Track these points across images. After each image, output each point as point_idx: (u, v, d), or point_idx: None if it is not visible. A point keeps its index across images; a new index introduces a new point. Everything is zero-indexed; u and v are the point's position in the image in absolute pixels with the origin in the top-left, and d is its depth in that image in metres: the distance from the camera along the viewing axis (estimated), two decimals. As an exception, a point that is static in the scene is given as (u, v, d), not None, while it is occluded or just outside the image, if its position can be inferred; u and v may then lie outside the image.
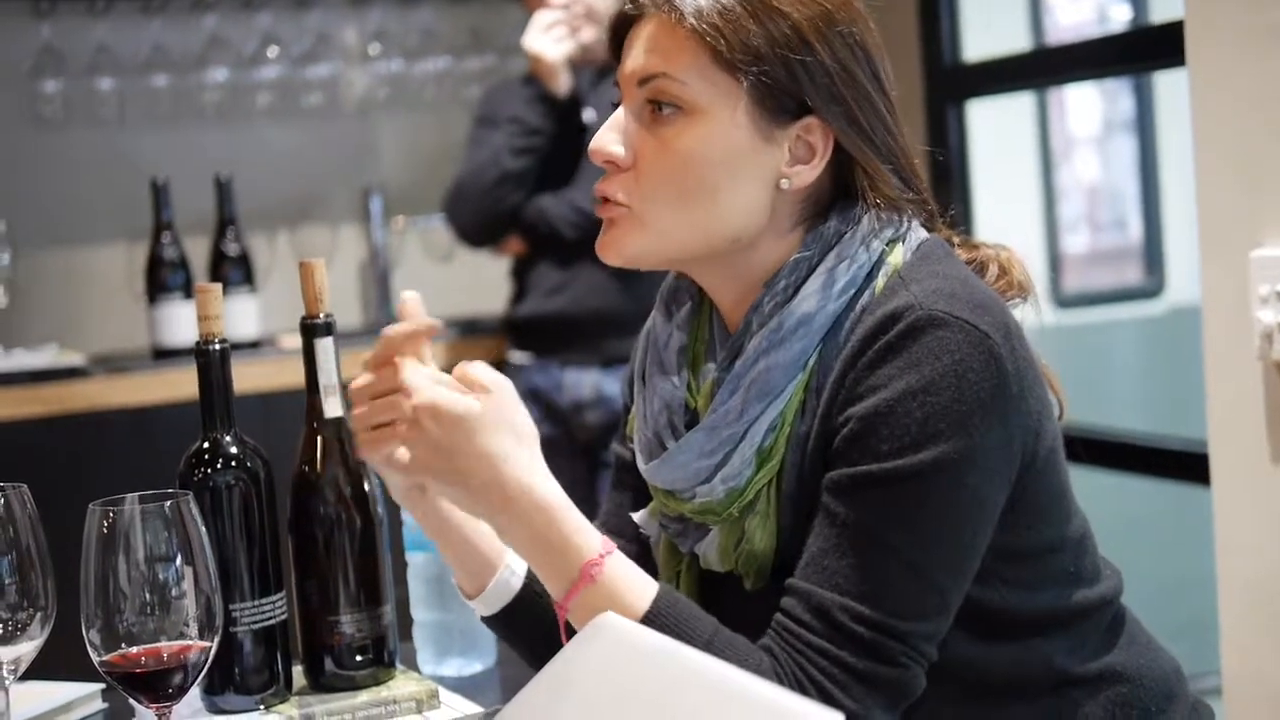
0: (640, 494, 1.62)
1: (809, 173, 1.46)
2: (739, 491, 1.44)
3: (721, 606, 1.44)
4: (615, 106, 1.51)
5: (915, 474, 1.34)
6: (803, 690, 1.33)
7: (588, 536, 1.38)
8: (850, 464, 1.37)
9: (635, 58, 1.48)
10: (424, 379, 1.37)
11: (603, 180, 1.49)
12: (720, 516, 1.46)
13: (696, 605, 1.40)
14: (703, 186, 1.44)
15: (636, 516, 1.59)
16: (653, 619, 1.35)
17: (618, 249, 1.48)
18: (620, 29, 1.52)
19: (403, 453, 1.37)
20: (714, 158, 1.44)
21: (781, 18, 1.42)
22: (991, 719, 1.48)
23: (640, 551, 1.61)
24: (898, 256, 1.45)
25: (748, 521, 1.45)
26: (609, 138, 1.47)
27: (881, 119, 1.47)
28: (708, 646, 1.33)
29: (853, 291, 1.44)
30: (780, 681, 1.33)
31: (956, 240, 1.57)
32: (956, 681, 1.45)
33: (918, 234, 1.49)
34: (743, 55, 1.42)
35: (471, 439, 1.35)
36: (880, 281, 1.43)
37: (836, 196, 1.49)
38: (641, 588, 1.38)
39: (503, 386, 1.38)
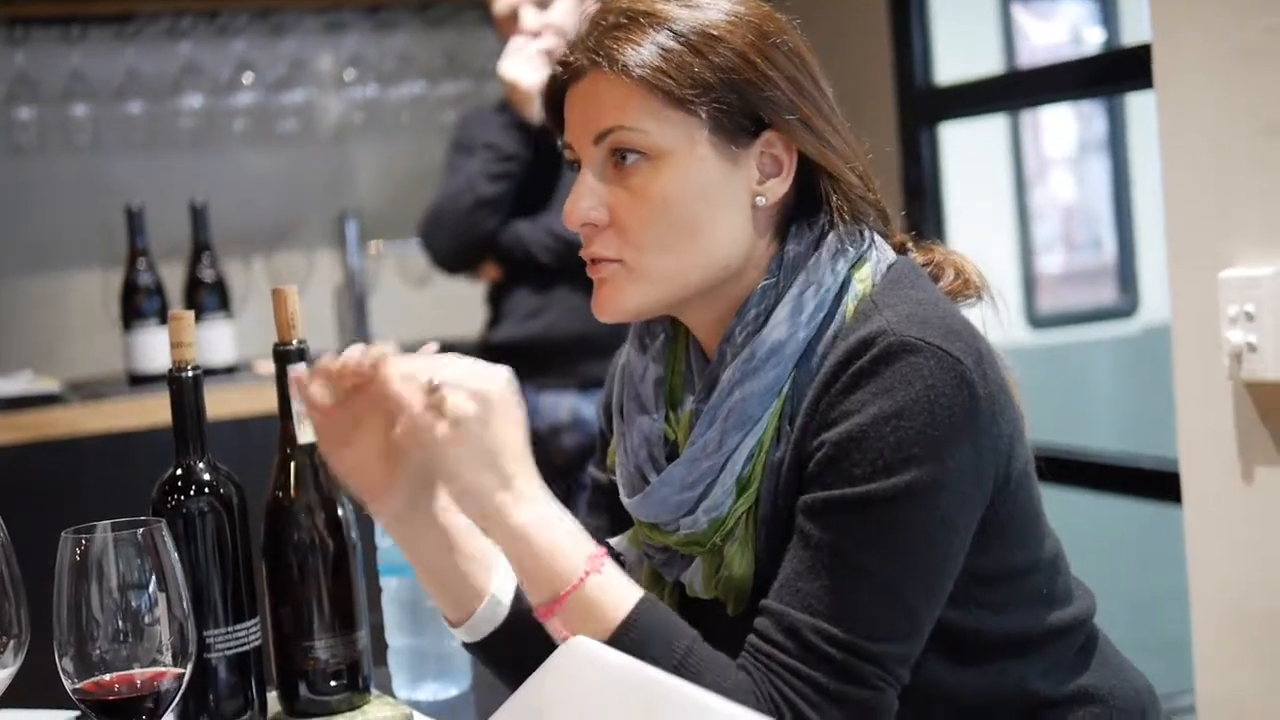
0: (616, 518, 1.62)
1: (780, 185, 1.47)
2: (720, 520, 1.45)
3: (705, 632, 1.44)
4: (572, 166, 1.51)
5: (888, 498, 1.35)
6: (777, 710, 1.33)
7: (588, 539, 1.39)
8: (824, 488, 1.37)
9: (584, 116, 1.48)
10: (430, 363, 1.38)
11: (587, 243, 1.48)
12: (704, 547, 1.47)
13: (678, 617, 1.40)
14: (686, 225, 1.45)
15: (614, 542, 1.59)
16: (634, 621, 1.35)
17: (617, 305, 1.48)
18: (555, 94, 1.51)
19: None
20: (689, 194, 1.44)
21: (718, 43, 1.43)
22: None
23: None
24: (865, 278, 1.46)
25: (727, 548, 1.46)
26: (583, 203, 1.47)
27: (829, 119, 1.48)
28: (686, 655, 1.34)
29: (821, 316, 1.44)
30: (756, 701, 1.33)
31: (911, 244, 1.58)
32: (929, 704, 1.45)
33: (885, 254, 1.50)
34: (693, 90, 1.43)
35: (505, 419, 1.40)
36: (850, 306, 1.44)
37: (800, 211, 1.50)
38: (632, 589, 1.38)
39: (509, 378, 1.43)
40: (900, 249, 1.55)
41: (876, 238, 1.51)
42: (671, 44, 1.43)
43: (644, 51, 1.43)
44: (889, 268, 1.48)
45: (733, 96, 1.44)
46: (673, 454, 1.50)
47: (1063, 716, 1.51)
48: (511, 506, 1.36)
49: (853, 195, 1.49)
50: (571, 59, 1.48)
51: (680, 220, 1.44)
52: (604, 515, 1.67)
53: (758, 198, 1.47)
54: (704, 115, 1.43)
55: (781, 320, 1.44)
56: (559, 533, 1.37)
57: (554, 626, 1.36)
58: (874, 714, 1.36)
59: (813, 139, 1.46)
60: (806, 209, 1.50)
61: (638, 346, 1.58)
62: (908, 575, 1.36)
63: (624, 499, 1.53)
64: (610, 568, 1.38)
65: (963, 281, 1.56)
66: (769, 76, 1.44)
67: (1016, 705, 1.49)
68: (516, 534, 1.36)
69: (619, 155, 1.45)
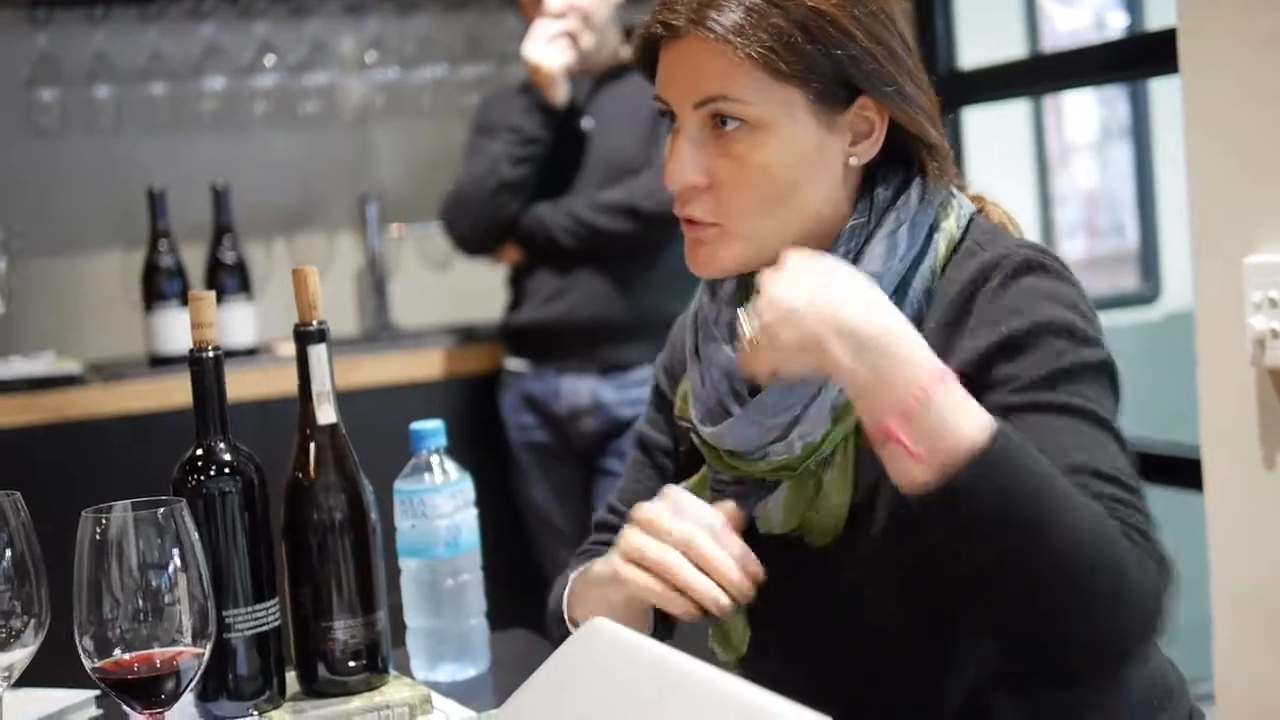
0: (666, 479, 1.66)
1: (871, 147, 1.52)
2: (815, 446, 1.47)
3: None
4: (664, 115, 1.53)
5: (1096, 365, 1.42)
6: (1128, 536, 1.32)
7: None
8: (1035, 368, 1.40)
9: (684, 79, 1.49)
10: None
11: (682, 204, 1.51)
12: (795, 471, 1.49)
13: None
14: (785, 191, 1.49)
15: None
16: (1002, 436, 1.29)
17: (715, 263, 1.52)
18: (650, 47, 1.53)
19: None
20: (789, 163, 1.48)
21: (820, 16, 1.45)
22: (1014, 687, 1.50)
23: None
24: (951, 221, 1.51)
25: (825, 476, 1.48)
26: (683, 166, 1.49)
27: (917, 81, 1.52)
28: (1055, 479, 1.30)
29: (915, 252, 1.49)
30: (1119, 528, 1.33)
31: (966, 189, 1.62)
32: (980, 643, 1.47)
33: (964, 201, 1.55)
34: (797, 66, 1.45)
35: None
36: (941, 245, 1.49)
37: (885, 155, 1.53)
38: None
39: None
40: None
41: (953, 186, 1.56)
42: (775, 19, 1.44)
43: (747, 24, 1.44)
44: (971, 216, 1.54)
45: (832, 69, 1.46)
46: (754, 388, 1.53)
47: None
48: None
49: (938, 155, 1.53)
50: (672, 19, 1.48)
51: (779, 186, 1.48)
52: (655, 473, 1.71)
53: (850, 158, 1.51)
54: (805, 89, 1.46)
55: (877, 255, 1.49)
56: (900, 342, 1.31)
57: (904, 436, 1.29)
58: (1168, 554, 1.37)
59: (903, 103, 1.50)
60: (890, 154, 1.53)
61: (709, 293, 1.62)
62: (1122, 434, 1.41)
63: (705, 430, 1.55)
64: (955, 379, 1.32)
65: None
66: (866, 47, 1.47)
67: None
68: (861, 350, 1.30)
69: (719, 120, 1.48)
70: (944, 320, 1.46)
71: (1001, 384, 1.41)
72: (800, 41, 1.44)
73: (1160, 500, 3.07)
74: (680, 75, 1.49)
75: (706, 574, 1.40)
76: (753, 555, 1.42)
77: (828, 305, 1.31)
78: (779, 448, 1.48)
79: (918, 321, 1.47)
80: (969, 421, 1.28)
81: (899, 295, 1.48)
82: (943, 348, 1.43)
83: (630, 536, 1.44)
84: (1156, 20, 4.73)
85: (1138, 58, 2.85)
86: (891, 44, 1.49)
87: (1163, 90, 4.81)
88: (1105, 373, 1.43)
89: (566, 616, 1.59)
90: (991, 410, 1.33)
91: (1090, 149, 5.13)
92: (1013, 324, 1.41)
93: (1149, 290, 4.95)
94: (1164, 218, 4.96)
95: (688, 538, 1.40)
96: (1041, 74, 3.30)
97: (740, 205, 1.49)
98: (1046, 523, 1.26)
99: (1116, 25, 5.05)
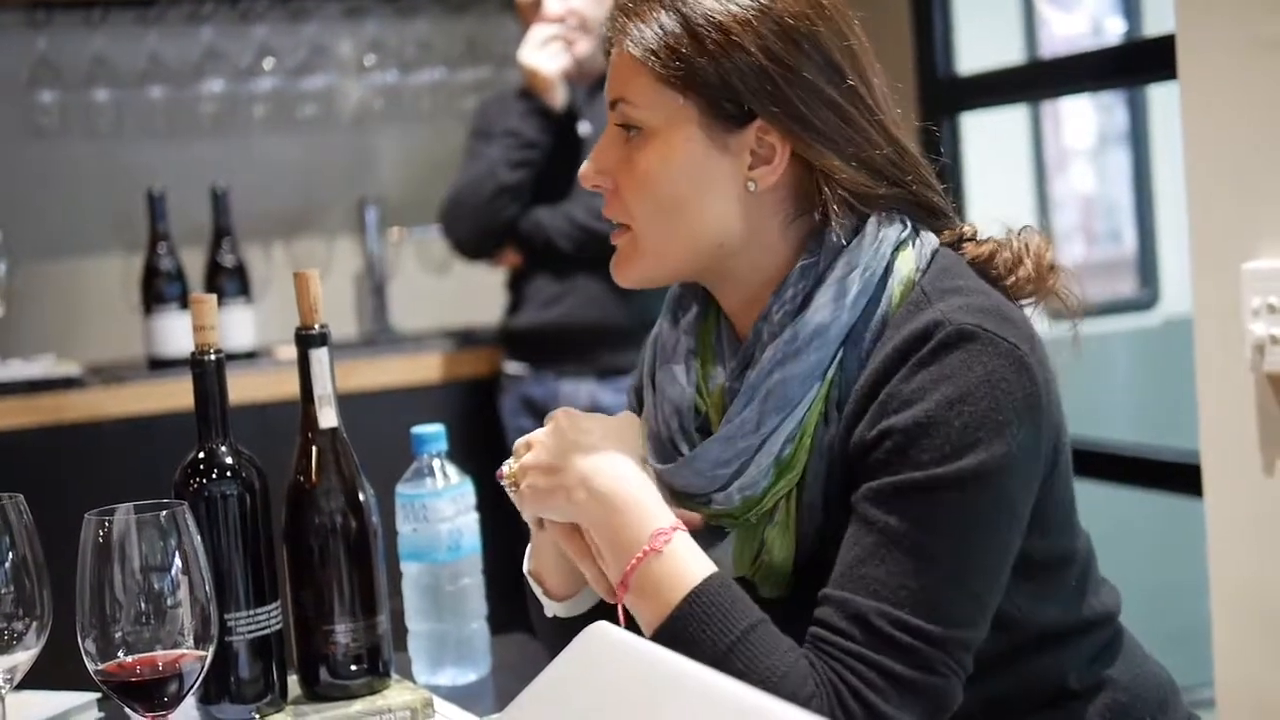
0: None
1: (769, 174, 1.46)
2: (756, 500, 1.45)
3: None
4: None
5: (956, 482, 1.34)
6: (839, 698, 1.32)
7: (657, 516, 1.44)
8: (891, 474, 1.36)
9: (609, 84, 1.52)
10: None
11: (605, 205, 1.53)
12: (737, 521, 1.47)
13: (746, 598, 1.40)
14: (669, 201, 1.47)
15: None
16: (700, 593, 1.38)
17: (624, 272, 1.54)
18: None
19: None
20: (674, 173, 1.46)
21: (715, 28, 1.43)
22: None
23: None
24: (908, 263, 1.45)
25: (767, 532, 1.45)
26: (589, 166, 1.53)
27: (838, 110, 1.45)
28: (740, 639, 1.35)
29: (866, 300, 1.44)
30: (816, 687, 1.32)
31: (966, 232, 1.55)
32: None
33: (928, 241, 1.49)
34: (679, 73, 1.44)
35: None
36: (896, 291, 1.44)
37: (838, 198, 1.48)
38: (702, 565, 1.41)
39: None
40: (955, 243, 1.53)
41: (921, 228, 1.50)
42: (672, 26, 1.44)
43: (646, 30, 1.46)
44: (932, 255, 1.48)
45: (716, 81, 1.43)
46: (703, 425, 1.51)
47: (1085, 704, 1.51)
48: (577, 508, 1.46)
49: (849, 189, 1.46)
50: (608, 27, 1.52)
51: (663, 197, 1.47)
52: None
53: (748, 183, 1.47)
54: (688, 99, 1.45)
55: (825, 302, 1.43)
56: (624, 517, 1.43)
57: (630, 606, 1.43)
58: (940, 703, 1.35)
59: (800, 131, 1.44)
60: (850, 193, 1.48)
61: (670, 319, 1.59)
62: (974, 560, 1.36)
63: (654, 465, 1.53)
64: (678, 543, 1.41)
65: (1014, 279, 1.53)
66: (762, 65, 1.43)
67: (1042, 695, 1.50)
68: (589, 525, 1.46)
69: (626, 126, 1.49)
70: (867, 388, 1.40)
71: (864, 478, 1.38)
72: (688, 49, 1.43)
73: (1160, 505, 3.08)
74: (608, 80, 1.53)
75: None
76: None
77: (581, 463, 1.45)
78: (719, 498, 1.46)
79: (857, 376, 1.42)
80: (671, 585, 1.39)
81: (849, 348, 1.43)
82: (858, 417, 1.40)
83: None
84: (1155, 26, 4.73)
85: (1136, 64, 2.86)
86: (798, 66, 1.43)
87: (1161, 96, 4.81)
88: (978, 479, 1.35)
89: (528, 570, 1.60)
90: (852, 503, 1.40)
91: (1088, 155, 5.14)
92: (898, 417, 1.36)
93: (1147, 296, 4.96)
94: (1162, 223, 4.97)
95: None
96: (1040, 80, 3.31)
97: (636, 212, 1.49)
98: None
99: (1115, 31, 5.06)
